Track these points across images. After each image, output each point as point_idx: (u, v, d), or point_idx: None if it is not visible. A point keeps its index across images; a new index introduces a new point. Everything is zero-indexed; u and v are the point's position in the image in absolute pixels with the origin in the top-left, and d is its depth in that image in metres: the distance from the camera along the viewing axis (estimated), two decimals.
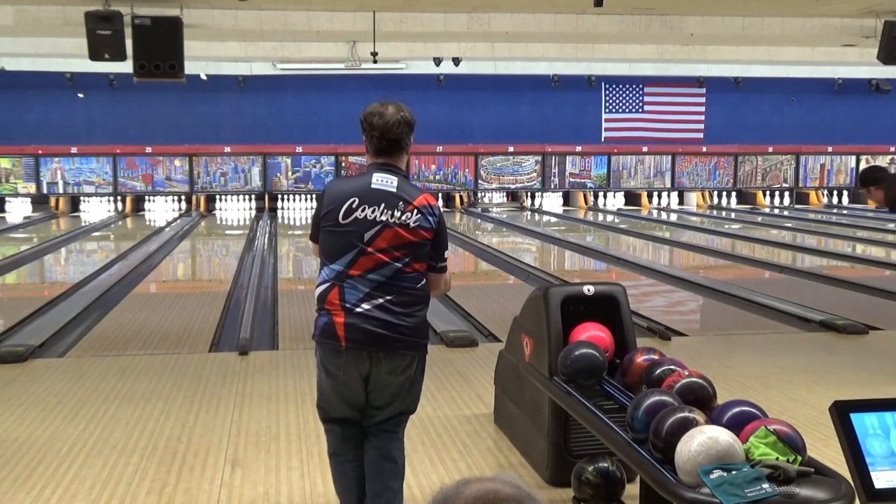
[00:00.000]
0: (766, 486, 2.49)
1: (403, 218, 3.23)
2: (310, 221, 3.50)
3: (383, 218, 3.22)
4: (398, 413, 3.41)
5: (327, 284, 3.27)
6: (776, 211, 21.69)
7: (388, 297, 3.23)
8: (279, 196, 20.62)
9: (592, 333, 3.96)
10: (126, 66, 9.87)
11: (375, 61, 12.69)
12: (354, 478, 3.43)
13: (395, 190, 3.25)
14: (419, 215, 3.25)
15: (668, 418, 2.83)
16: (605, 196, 22.03)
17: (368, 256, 3.21)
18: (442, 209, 3.50)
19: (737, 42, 14.66)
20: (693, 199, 22.35)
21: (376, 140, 3.29)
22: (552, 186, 21.60)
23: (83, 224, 18.44)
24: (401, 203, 3.23)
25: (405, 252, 3.23)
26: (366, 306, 3.21)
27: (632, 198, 22.06)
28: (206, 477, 4.17)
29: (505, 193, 21.63)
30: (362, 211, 3.23)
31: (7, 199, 20.02)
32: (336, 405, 3.37)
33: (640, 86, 21.76)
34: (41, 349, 6.82)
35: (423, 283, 3.31)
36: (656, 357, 3.63)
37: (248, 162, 20.50)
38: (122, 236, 16.94)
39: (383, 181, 3.26)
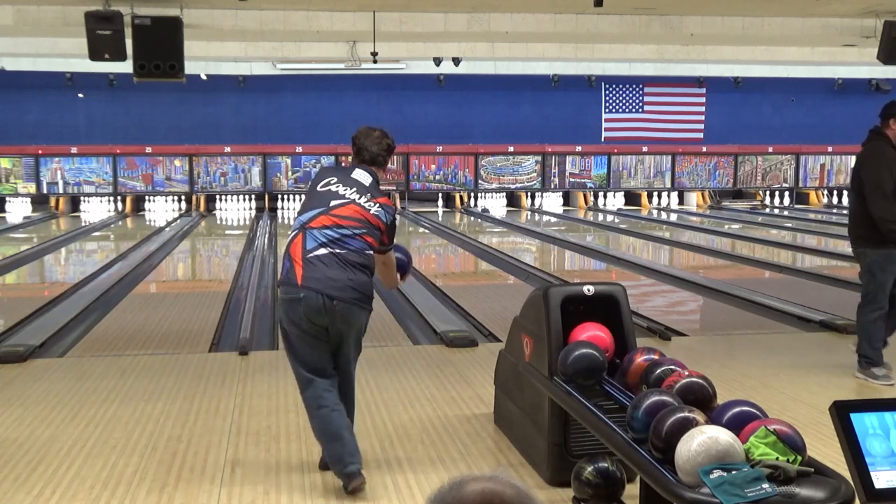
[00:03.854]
0: (766, 486, 2.49)
1: (367, 205, 4.02)
2: None
3: (351, 196, 4.01)
4: (352, 359, 4.12)
5: (293, 234, 4.00)
6: (776, 211, 21.69)
7: (339, 252, 3.91)
8: (279, 196, 20.62)
9: (592, 333, 3.96)
10: (126, 66, 9.87)
11: (375, 61, 12.69)
12: (342, 423, 3.93)
13: (367, 184, 4.08)
14: (379, 209, 4.05)
15: (668, 418, 2.83)
16: (605, 196, 22.02)
17: (329, 217, 3.95)
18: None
19: (737, 42, 14.66)
20: (693, 199, 22.35)
21: (359, 151, 4.16)
22: (552, 186, 21.59)
23: (83, 224, 18.44)
24: (368, 194, 4.04)
25: (360, 224, 3.97)
26: (320, 252, 3.90)
27: (632, 198, 22.05)
28: (206, 477, 4.17)
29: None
30: (337, 186, 4.04)
31: (7, 199, 20.02)
32: (309, 353, 3.97)
33: (640, 86, 21.76)
34: (41, 349, 6.81)
35: (370, 252, 4.00)
36: (656, 357, 3.63)
37: (248, 162, 20.50)
38: (122, 236, 16.94)
39: (361, 175, 4.10)
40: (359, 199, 3.99)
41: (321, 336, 3.93)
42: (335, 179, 4.05)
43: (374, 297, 4.05)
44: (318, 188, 4.03)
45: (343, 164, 20.26)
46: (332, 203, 3.97)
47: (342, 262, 3.88)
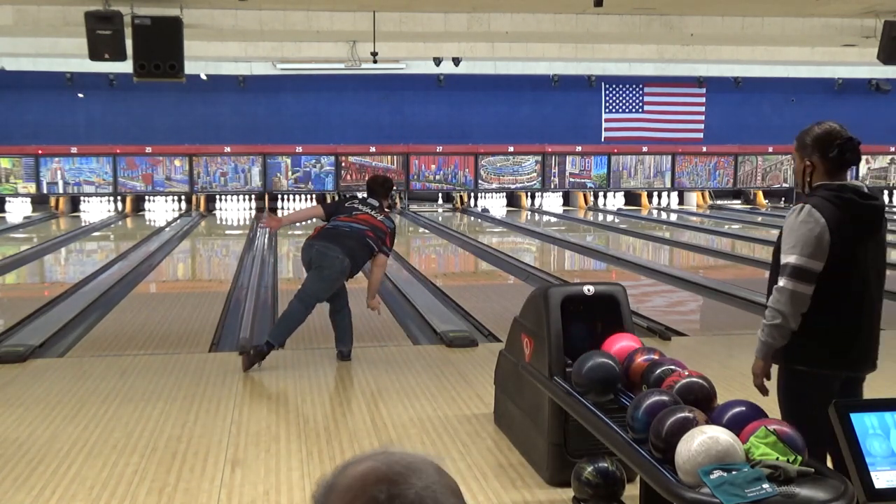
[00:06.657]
0: (766, 486, 2.49)
1: (375, 214, 6.28)
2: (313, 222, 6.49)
3: (366, 210, 6.30)
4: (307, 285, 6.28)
5: (325, 223, 6.34)
6: (776, 211, 21.69)
7: (343, 231, 6.11)
8: (279, 196, 20.62)
9: (624, 345, 3.82)
10: (126, 66, 9.87)
11: (375, 61, 12.69)
12: (295, 321, 6.22)
13: (376, 205, 6.36)
14: (384, 218, 6.32)
15: (668, 418, 2.83)
16: (605, 196, 22.02)
17: (349, 217, 6.24)
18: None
19: (737, 42, 14.66)
20: (693, 199, 22.35)
21: (371, 190, 6.45)
22: (552, 186, 21.59)
23: (83, 224, 18.44)
24: (376, 210, 6.33)
25: (367, 225, 6.18)
26: (332, 228, 6.18)
27: (632, 198, 22.06)
28: (206, 477, 4.17)
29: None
30: (357, 204, 6.37)
31: (7, 199, 20.02)
32: (316, 289, 6.13)
33: (640, 86, 21.76)
34: (41, 349, 6.81)
35: (366, 239, 6.13)
36: (656, 357, 3.62)
37: (248, 162, 20.50)
38: (122, 236, 16.94)
39: (372, 201, 6.38)
40: (370, 211, 6.28)
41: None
42: (357, 202, 6.36)
43: (350, 257, 5.99)
44: (346, 204, 6.37)
45: (345, 168, 20.32)
46: (354, 213, 6.25)
47: (340, 234, 6.08)
